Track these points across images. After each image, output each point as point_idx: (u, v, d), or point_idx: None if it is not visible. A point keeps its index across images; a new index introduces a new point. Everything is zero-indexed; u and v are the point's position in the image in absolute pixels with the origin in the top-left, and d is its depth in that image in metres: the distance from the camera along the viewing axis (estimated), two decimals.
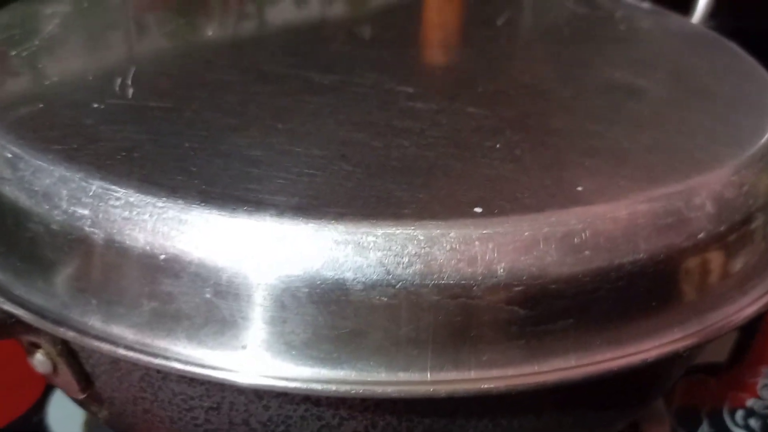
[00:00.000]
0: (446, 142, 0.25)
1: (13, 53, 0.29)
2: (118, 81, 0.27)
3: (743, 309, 0.24)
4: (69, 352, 0.24)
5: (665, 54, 0.35)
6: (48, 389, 0.39)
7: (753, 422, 0.39)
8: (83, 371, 0.25)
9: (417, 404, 0.22)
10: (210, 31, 0.33)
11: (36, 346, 0.24)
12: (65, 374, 0.25)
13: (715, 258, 0.24)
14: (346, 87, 0.28)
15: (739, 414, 0.39)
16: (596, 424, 0.28)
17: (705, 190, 0.24)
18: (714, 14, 0.39)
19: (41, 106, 0.25)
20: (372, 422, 0.23)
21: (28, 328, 0.23)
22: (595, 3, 0.40)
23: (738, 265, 0.24)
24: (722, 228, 0.24)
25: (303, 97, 0.27)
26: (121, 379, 0.24)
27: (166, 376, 0.23)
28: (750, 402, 0.40)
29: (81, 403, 0.27)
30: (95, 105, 0.26)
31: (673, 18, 0.39)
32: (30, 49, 0.30)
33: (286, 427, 0.23)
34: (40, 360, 0.24)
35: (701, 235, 0.23)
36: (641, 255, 0.22)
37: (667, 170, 0.24)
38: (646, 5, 0.39)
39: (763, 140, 0.26)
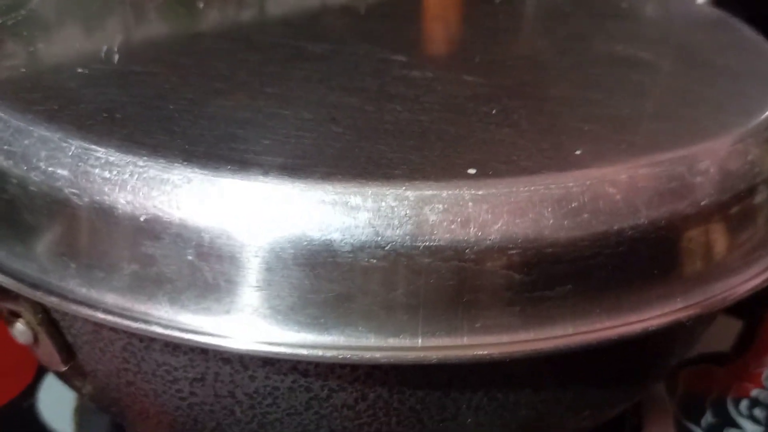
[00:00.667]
0: (441, 108, 0.24)
1: None
2: (104, 48, 0.27)
3: (748, 281, 0.23)
4: (50, 321, 0.23)
5: (668, 29, 0.34)
6: (38, 375, 0.38)
7: (757, 412, 0.38)
8: (65, 341, 0.24)
9: (408, 375, 0.22)
10: (201, 4, 0.32)
11: (16, 315, 0.24)
12: (46, 345, 0.24)
13: (719, 227, 0.23)
14: (339, 56, 0.28)
15: (744, 404, 0.39)
16: (597, 403, 0.27)
17: (709, 156, 0.23)
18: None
19: (23, 70, 0.25)
20: (362, 394, 0.22)
21: (7, 295, 0.23)
22: None
23: (742, 235, 0.23)
24: (727, 196, 0.23)
25: (294, 64, 0.26)
26: (103, 350, 0.23)
27: (149, 345, 0.22)
28: (755, 392, 0.39)
29: (64, 377, 0.27)
30: (79, 70, 0.25)
31: None
32: (15, 19, 0.29)
33: (273, 399, 0.23)
34: (20, 330, 0.24)
35: (704, 202, 0.22)
36: (642, 220, 0.21)
37: (669, 137, 0.24)
38: None
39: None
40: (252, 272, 0.19)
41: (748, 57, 0.31)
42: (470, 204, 0.19)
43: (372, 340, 0.19)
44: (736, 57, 0.31)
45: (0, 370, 0.38)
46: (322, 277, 0.19)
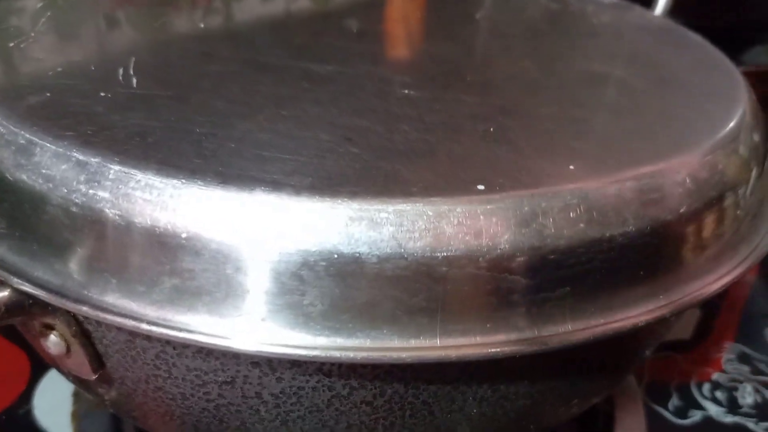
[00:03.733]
0: (444, 127, 0.26)
1: (11, 44, 0.29)
2: (121, 71, 0.28)
3: (720, 279, 0.26)
4: (83, 333, 0.24)
5: (637, 47, 0.36)
6: (33, 381, 0.39)
7: (719, 394, 0.40)
8: (96, 351, 0.25)
9: (423, 372, 0.23)
10: (201, 24, 0.33)
11: (50, 328, 0.24)
12: (78, 355, 0.25)
13: (695, 231, 0.25)
14: (343, 77, 0.29)
15: (706, 387, 0.41)
16: (584, 392, 0.29)
17: (684, 169, 0.25)
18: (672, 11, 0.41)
19: (48, 95, 0.26)
20: (381, 391, 0.24)
21: (45, 310, 0.23)
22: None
23: (714, 238, 0.26)
24: (700, 204, 0.25)
25: (303, 86, 0.28)
26: (135, 358, 0.24)
27: (181, 352, 0.23)
28: (715, 376, 0.41)
29: (88, 386, 0.27)
30: (102, 94, 0.26)
31: (639, 11, 0.40)
32: (27, 41, 0.30)
33: (298, 398, 0.24)
34: (54, 341, 0.25)
35: (682, 210, 0.24)
36: (630, 227, 0.23)
37: (649, 152, 0.26)
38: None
39: (732, 124, 0.28)
40: (287, 284, 0.21)
41: (711, 73, 0.33)
42: (482, 217, 0.21)
43: (396, 342, 0.21)
44: (700, 74, 0.33)
45: None
46: (351, 287, 0.21)
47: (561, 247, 0.22)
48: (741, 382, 0.41)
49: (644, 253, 0.23)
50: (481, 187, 0.22)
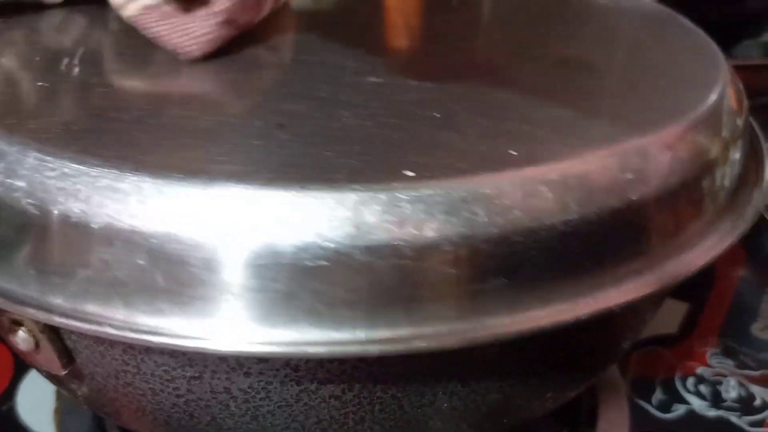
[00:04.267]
0: (386, 113, 0.24)
1: None
2: (66, 60, 0.27)
3: (677, 271, 0.24)
4: (51, 329, 0.23)
5: (619, 31, 0.34)
6: (16, 378, 0.38)
7: (703, 388, 0.39)
8: (65, 347, 0.24)
9: (391, 367, 0.22)
10: None
11: (18, 324, 0.24)
12: (47, 351, 0.24)
13: (648, 218, 0.23)
14: (294, 64, 0.28)
15: (690, 381, 0.40)
16: (557, 386, 0.27)
17: (635, 154, 0.23)
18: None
19: None
20: (348, 385, 0.23)
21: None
22: None
23: (668, 227, 0.24)
24: (654, 189, 0.23)
25: (249, 73, 0.27)
26: (103, 353, 0.23)
27: (149, 348, 0.22)
28: (700, 370, 0.40)
29: (60, 381, 0.27)
30: (39, 83, 0.25)
31: None
32: None
33: (267, 393, 0.23)
34: (22, 337, 0.24)
35: (634, 197, 0.23)
36: (573, 216, 0.22)
37: (603, 135, 0.24)
38: None
39: (705, 107, 0.26)
40: (199, 275, 0.20)
41: (693, 58, 0.31)
42: (407, 205, 0.20)
43: (315, 335, 0.20)
44: (682, 58, 0.31)
45: None
46: (268, 278, 0.20)
47: (493, 237, 0.21)
48: (725, 376, 0.40)
49: (589, 243, 0.22)
50: (409, 173, 0.21)
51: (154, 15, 0.26)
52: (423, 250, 0.20)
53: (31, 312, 0.20)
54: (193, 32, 0.25)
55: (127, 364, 0.23)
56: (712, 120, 0.27)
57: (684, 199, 0.25)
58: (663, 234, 0.24)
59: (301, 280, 0.20)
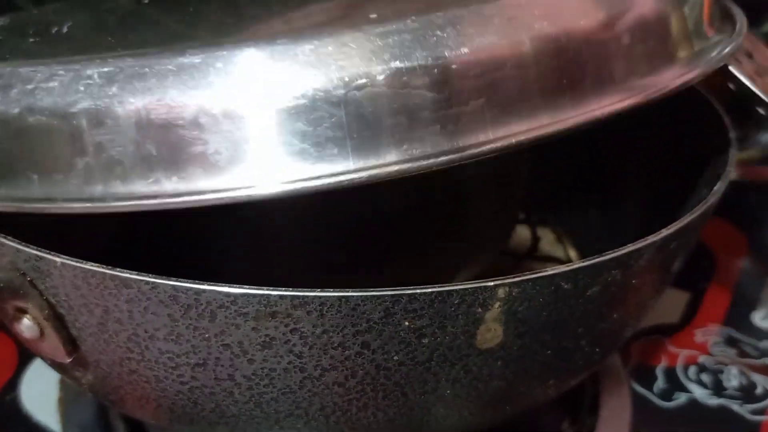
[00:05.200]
0: None
1: None
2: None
3: (660, 85, 0.24)
4: (55, 316, 0.24)
5: None
6: (20, 368, 0.39)
7: (704, 377, 0.40)
8: (69, 335, 0.24)
9: (393, 352, 0.23)
10: None
11: (23, 312, 0.24)
12: (52, 339, 0.24)
13: (614, 39, 0.24)
14: None
15: (692, 369, 0.40)
16: (559, 373, 0.28)
17: None
18: None
19: None
20: (352, 372, 0.23)
21: (16, 293, 0.23)
22: None
23: (639, 48, 0.24)
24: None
25: None
26: (108, 341, 0.24)
27: (153, 335, 0.23)
28: (701, 359, 0.41)
29: (65, 369, 0.27)
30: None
31: None
32: None
33: (270, 380, 0.23)
34: (27, 325, 0.24)
35: (601, 18, 0.23)
36: (543, 31, 0.22)
37: None
38: None
39: None
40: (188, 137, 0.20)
41: None
42: (377, 39, 0.21)
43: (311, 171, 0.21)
44: None
45: None
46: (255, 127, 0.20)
47: (463, 58, 0.21)
48: (727, 364, 0.40)
49: (562, 60, 0.22)
50: (373, 15, 0.21)
51: None
52: (397, 78, 0.20)
53: (38, 207, 0.21)
54: None
55: (132, 351, 0.24)
56: None
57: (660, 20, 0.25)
58: (641, 56, 0.25)
59: (283, 125, 0.20)
